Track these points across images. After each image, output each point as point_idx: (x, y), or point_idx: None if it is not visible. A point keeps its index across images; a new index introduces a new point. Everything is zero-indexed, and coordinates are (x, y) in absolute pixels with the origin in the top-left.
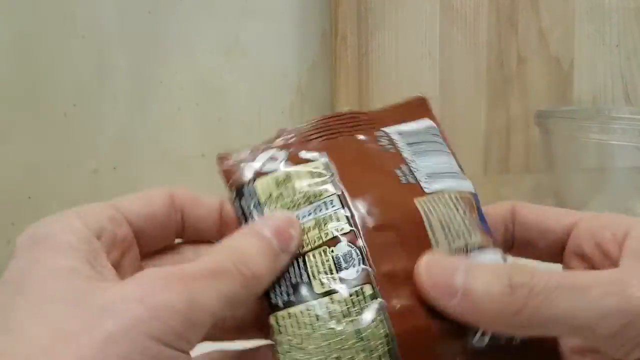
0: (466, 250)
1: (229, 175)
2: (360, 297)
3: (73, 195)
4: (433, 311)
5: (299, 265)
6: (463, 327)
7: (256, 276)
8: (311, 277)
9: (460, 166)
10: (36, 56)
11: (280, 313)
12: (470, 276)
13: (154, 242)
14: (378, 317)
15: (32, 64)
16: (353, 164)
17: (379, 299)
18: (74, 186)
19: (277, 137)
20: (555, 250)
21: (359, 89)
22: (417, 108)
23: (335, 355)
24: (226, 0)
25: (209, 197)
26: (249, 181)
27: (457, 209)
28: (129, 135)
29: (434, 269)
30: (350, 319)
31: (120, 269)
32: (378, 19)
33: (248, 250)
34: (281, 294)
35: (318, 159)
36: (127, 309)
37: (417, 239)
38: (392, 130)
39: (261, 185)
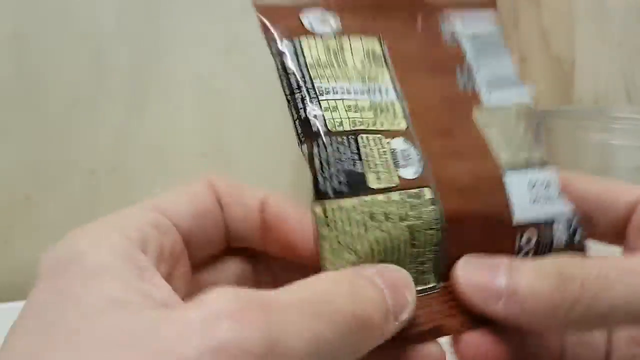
0: (527, 165)
1: (269, 24)
2: (419, 200)
3: (71, 195)
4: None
5: (350, 145)
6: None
7: (370, 325)
8: (366, 168)
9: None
10: (35, 55)
11: (329, 203)
12: (514, 275)
13: (205, 249)
14: (435, 225)
15: (30, 63)
16: (410, 57)
17: (438, 206)
18: (71, 186)
19: None
20: (615, 229)
21: None
22: None
23: (382, 257)
24: None
25: (252, 191)
26: (294, 36)
27: (517, 125)
28: (127, 134)
29: (472, 271)
30: (407, 223)
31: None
32: None
33: (362, 290)
34: (331, 178)
35: (373, 38)
36: (183, 354)
37: (478, 149)
38: (456, 17)
39: (309, 46)
